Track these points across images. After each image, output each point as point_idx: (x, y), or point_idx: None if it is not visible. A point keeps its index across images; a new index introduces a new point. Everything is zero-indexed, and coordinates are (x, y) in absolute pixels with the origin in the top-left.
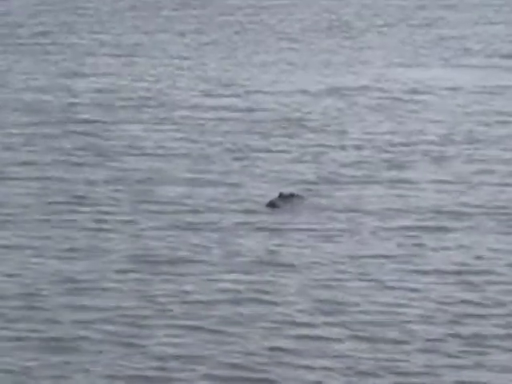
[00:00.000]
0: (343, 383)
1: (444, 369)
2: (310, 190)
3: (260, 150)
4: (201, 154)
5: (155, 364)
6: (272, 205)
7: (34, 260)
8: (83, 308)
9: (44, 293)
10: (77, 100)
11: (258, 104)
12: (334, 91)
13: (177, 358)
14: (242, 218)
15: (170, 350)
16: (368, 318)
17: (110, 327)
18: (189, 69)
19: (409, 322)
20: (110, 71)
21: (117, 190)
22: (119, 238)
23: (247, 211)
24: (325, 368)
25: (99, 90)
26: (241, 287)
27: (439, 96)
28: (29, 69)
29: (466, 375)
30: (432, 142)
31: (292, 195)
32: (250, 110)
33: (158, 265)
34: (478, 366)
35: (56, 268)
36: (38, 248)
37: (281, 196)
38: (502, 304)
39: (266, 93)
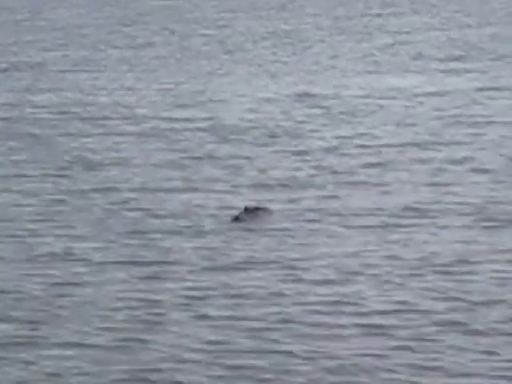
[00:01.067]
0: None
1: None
2: (277, 199)
3: (227, 158)
4: (168, 162)
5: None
6: (237, 219)
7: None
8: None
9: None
10: (38, 115)
11: (223, 113)
12: (297, 98)
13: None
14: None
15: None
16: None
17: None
18: (153, 81)
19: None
20: (71, 86)
21: (87, 199)
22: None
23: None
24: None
25: (62, 104)
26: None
27: (398, 100)
28: None
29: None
30: (393, 145)
31: (257, 208)
32: (217, 119)
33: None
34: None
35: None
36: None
37: (246, 210)
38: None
39: (229, 102)
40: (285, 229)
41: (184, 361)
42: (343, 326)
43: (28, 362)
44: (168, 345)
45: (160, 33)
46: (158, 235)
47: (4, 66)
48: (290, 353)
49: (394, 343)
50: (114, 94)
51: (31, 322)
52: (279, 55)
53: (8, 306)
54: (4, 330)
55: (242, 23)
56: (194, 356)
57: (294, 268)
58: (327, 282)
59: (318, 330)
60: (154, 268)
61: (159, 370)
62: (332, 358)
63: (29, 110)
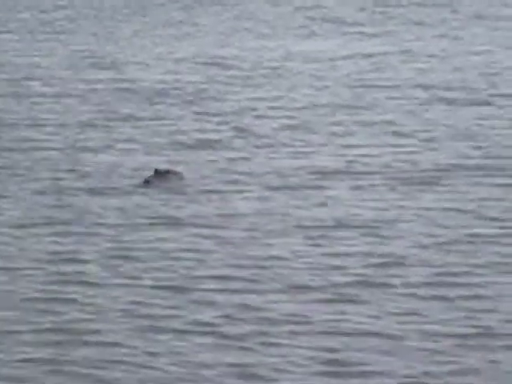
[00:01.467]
0: None
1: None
2: (191, 161)
3: (145, 119)
4: (80, 123)
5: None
6: (147, 182)
7: None
8: None
9: None
10: None
11: (142, 75)
12: (214, 61)
13: None
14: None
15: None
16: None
17: None
18: (69, 44)
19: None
20: None
21: (5, 158)
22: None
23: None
24: None
25: None
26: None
27: (314, 64)
28: None
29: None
30: (308, 108)
31: (168, 172)
32: (135, 81)
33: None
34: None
35: None
36: None
37: (156, 173)
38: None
39: (148, 64)
40: (196, 191)
41: (104, 317)
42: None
43: None
44: (87, 302)
45: None
46: (76, 194)
47: None
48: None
49: (314, 298)
50: (30, 55)
51: None
52: (197, 18)
53: None
54: None
55: None
56: (113, 313)
57: (207, 226)
58: (242, 241)
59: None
60: (73, 227)
61: (80, 321)
62: (254, 310)
63: None
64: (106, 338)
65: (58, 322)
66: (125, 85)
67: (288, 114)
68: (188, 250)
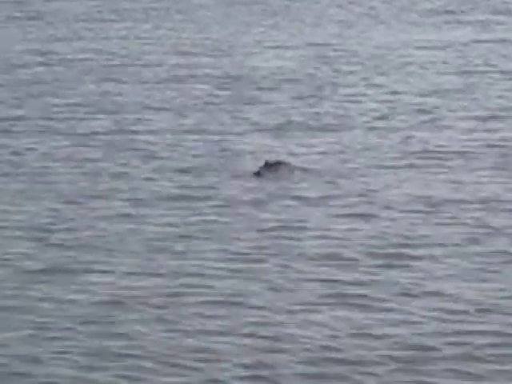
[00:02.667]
0: None
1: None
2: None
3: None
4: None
5: None
6: (258, 174)
7: None
8: None
9: None
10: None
11: (246, 61)
12: (319, 49)
13: None
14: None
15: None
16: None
17: None
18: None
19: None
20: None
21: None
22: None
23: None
24: None
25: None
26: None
27: (419, 51)
28: None
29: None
30: (433, 93)
31: (278, 163)
32: (238, 67)
33: None
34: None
35: None
36: None
37: (266, 164)
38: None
39: (253, 50)
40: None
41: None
42: None
43: None
44: None
45: None
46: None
47: (33, 14)
48: None
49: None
50: (139, 43)
51: None
52: (292, 5)
53: None
54: None
55: None
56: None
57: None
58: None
59: None
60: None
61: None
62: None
63: (54, 56)
64: None
65: None
66: (235, 71)
67: (408, 98)
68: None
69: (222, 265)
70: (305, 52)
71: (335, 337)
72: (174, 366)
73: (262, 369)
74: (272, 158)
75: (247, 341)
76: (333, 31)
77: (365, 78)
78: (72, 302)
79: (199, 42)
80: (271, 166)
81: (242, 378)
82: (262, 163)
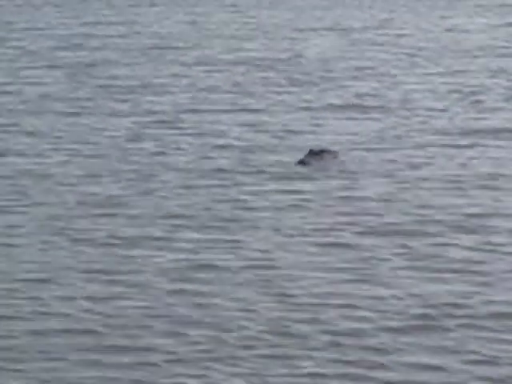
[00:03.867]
0: None
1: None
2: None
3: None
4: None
5: None
6: (302, 163)
7: None
8: None
9: None
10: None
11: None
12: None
13: None
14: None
15: None
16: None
17: None
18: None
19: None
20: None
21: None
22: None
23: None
24: None
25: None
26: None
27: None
28: None
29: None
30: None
31: (322, 151)
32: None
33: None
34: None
35: None
36: None
37: (311, 152)
38: None
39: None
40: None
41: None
42: None
43: None
44: None
45: None
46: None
47: None
48: None
49: None
50: (173, 25)
51: None
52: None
53: None
54: None
55: None
56: None
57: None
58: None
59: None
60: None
61: None
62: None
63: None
64: None
65: None
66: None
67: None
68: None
69: None
70: (355, 35)
71: None
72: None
73: None
74: (318, 144)
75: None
76: (383, 16)
77: (412, 63)
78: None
79: (245, 25)
80: (316, 155)
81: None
82: (306, 151)
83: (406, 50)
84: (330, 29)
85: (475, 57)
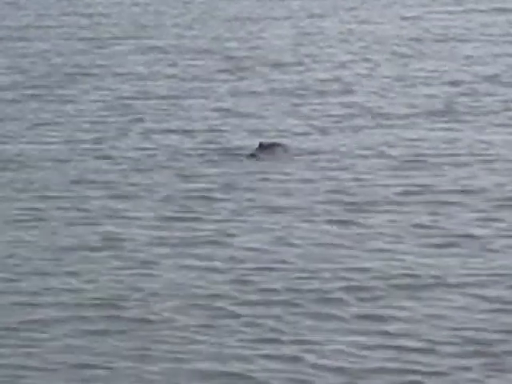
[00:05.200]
0: None
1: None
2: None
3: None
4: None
5: None
6: (252, 156)
7: None
8: None
9: None
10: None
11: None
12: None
13: None
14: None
15: None
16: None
17: None
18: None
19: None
20: None
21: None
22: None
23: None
24: None
25: None
26: None
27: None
28: None
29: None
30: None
31: (273, 144)
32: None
33: None
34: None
35: None
36: None
37: (261, 146)
38: None
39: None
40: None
41: None
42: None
43: None
44: None
45: None
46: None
47: None
48: None
49: None
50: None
51: None
52: None
53: None
54: None
55: None
56: None
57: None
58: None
59: None
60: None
61: None
62: None
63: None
64: None
65: None
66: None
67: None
68: None
69: None
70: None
71: None
72: None
73: None
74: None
75: None
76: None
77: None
78: None
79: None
80: (266, 148)
81: None
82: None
83: (361, 38)
84: (287, 18)
85: (433, 43)
